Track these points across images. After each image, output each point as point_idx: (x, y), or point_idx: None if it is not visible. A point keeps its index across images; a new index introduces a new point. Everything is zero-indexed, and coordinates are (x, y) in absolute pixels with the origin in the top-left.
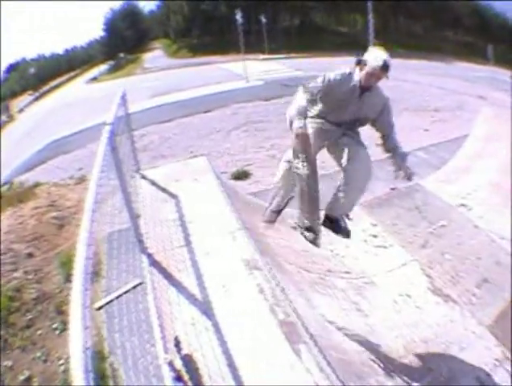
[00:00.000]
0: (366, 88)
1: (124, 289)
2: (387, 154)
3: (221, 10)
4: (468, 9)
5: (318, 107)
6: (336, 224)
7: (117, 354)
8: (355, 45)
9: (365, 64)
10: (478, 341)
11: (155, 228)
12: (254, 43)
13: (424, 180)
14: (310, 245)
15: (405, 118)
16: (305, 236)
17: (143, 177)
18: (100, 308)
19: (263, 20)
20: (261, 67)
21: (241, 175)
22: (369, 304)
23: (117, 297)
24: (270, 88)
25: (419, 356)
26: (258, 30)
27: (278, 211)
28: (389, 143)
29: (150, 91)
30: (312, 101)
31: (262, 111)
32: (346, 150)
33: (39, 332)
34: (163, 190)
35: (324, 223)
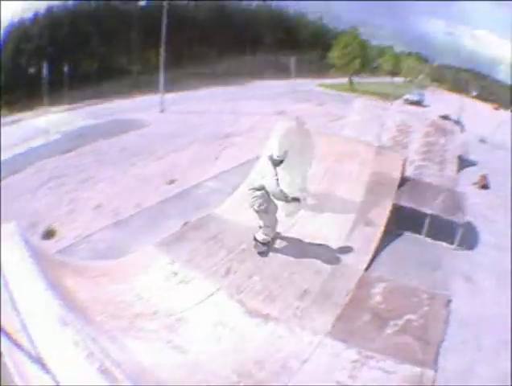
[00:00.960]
0: None
1: None
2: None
3: (31, 63)
4: (268, 26)
5: None
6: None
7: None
8: (148, 82)
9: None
10: (321, 350)
11: None
12: (59, 93)
13: (219, 208)
14: (114, 293)
15: (195, 150)
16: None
17: None
18: None
19: (64, 69)
20: (62, 119)
21: (48, 234)
22: (185, 340)
23: None
24: (66, 141)
25: (257, 379)
26: (61, 80)
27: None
28: None
29: None
30: None
31: (62, 165)
32: None
33: None
34: None
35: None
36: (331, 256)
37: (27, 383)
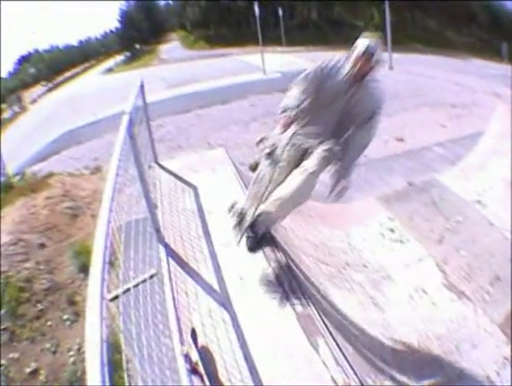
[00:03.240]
0: (355, 80)
1: (139, 280)
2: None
3: (239, 2)
4: (481, 6)
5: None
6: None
7: (131, 345)
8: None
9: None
10: (489, 339)
11: (173, 218)
12: (271, 35)
13: (441, 175)
14: (327, 237)
15: (423, 113)
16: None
17: (161, 167)
18: (114, 299)
19: (280, 12)
20: (278, 60)
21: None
22: (386, 298)
23: (133, 288)
24: (287, 81)
25: (432, 353)
26: (274, 22)
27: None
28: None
29: (166, 82)
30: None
31: (280, 103)
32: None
33: (49, 323)
34: (181, 180)
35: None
36: None
37: (184, 317)
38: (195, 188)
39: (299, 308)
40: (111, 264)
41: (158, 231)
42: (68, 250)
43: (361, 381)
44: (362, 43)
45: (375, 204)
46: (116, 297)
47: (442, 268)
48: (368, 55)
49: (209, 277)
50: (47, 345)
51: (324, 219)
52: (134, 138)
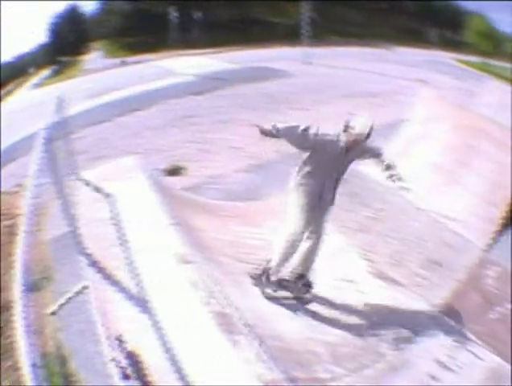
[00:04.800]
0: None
1: (72, 292)
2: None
3: (157, 7)
4: None
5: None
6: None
7: (73, 356)
8: (291, 36)
9: (352, 130)
10: (431, 323)
11: (92, 229)
12: (189, 38)
13: (360, 165)
14: (245, 236)
15: (341, 105)
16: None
17: (79, 179)
18: (53, 313)
19: (196, 15)
20: (193, 63)
21: (175, 171)
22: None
23: (67, 301)
24: (201, 83)
25: (368, 342)
26: (191, 25)
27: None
28: (382, 164)
29: (88, 92)
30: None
31: (194, 106)
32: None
33: (7, 341)
34: (98, 190)
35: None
36: (456, 230)
37: (110, 324)
38: (110, 197)
39: (216, 307)
40: (47, 278)
41: (79, 243)
42: (11, 269)
43: (287, 375)
44: (363, 125)
45: None
46: (55, 312)
47: (367, 256)
48: (369, 136)
49: (128, 283)
50: (10, 362)
51: (241, 217)
52: (51, 154)
